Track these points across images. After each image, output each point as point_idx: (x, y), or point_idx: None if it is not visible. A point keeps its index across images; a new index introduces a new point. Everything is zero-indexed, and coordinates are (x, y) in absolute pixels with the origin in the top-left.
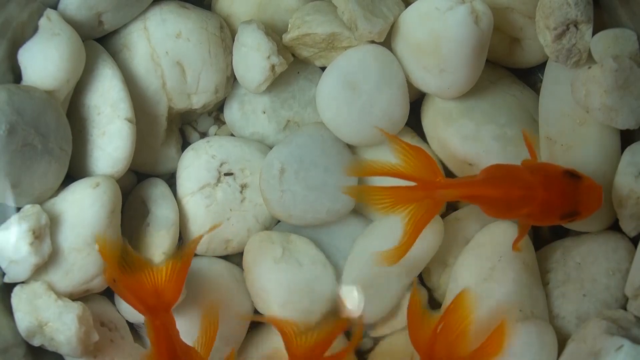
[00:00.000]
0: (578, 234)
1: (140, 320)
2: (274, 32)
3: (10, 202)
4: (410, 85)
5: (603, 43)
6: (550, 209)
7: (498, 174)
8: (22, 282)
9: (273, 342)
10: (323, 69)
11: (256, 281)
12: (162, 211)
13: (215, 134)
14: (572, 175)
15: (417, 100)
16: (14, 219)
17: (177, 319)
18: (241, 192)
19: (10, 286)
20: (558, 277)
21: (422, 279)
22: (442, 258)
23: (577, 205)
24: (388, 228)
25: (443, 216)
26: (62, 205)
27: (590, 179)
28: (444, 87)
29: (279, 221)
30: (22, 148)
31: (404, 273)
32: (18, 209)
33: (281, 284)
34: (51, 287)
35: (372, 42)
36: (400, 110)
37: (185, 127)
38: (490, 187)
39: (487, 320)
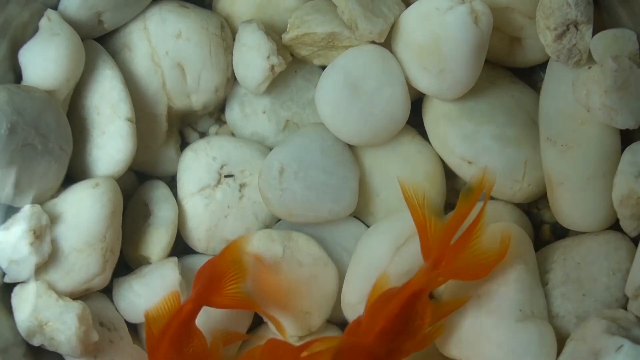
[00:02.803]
0: (578, 234)
1: (139, 321)
2: (273, 31)
3: (10, 202)
4: (410, 85)
5: (603, 43)
6: None
7: None
8: (23, 282)
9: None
10: (322, 67)
11: (255, 280)
12: (163, 213)
13: (216, 133)
14: None
15: (418, 99)
16: (14, 219)
17: None
18: (240, 190)
19: (11, 286)
20: (558, 277)
21: None
22: None
23: None
24: (390, 227)
25: None
26: (62, 205)
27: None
28: (443, 88)
29: (279, 219)
30: (22, 148)
31: (402, 276)
32: (18, 209)
33: (281, 284)
34: (51, 287)
35: (372, 42)
36: (400, 110)
37: (185, 127)
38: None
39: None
